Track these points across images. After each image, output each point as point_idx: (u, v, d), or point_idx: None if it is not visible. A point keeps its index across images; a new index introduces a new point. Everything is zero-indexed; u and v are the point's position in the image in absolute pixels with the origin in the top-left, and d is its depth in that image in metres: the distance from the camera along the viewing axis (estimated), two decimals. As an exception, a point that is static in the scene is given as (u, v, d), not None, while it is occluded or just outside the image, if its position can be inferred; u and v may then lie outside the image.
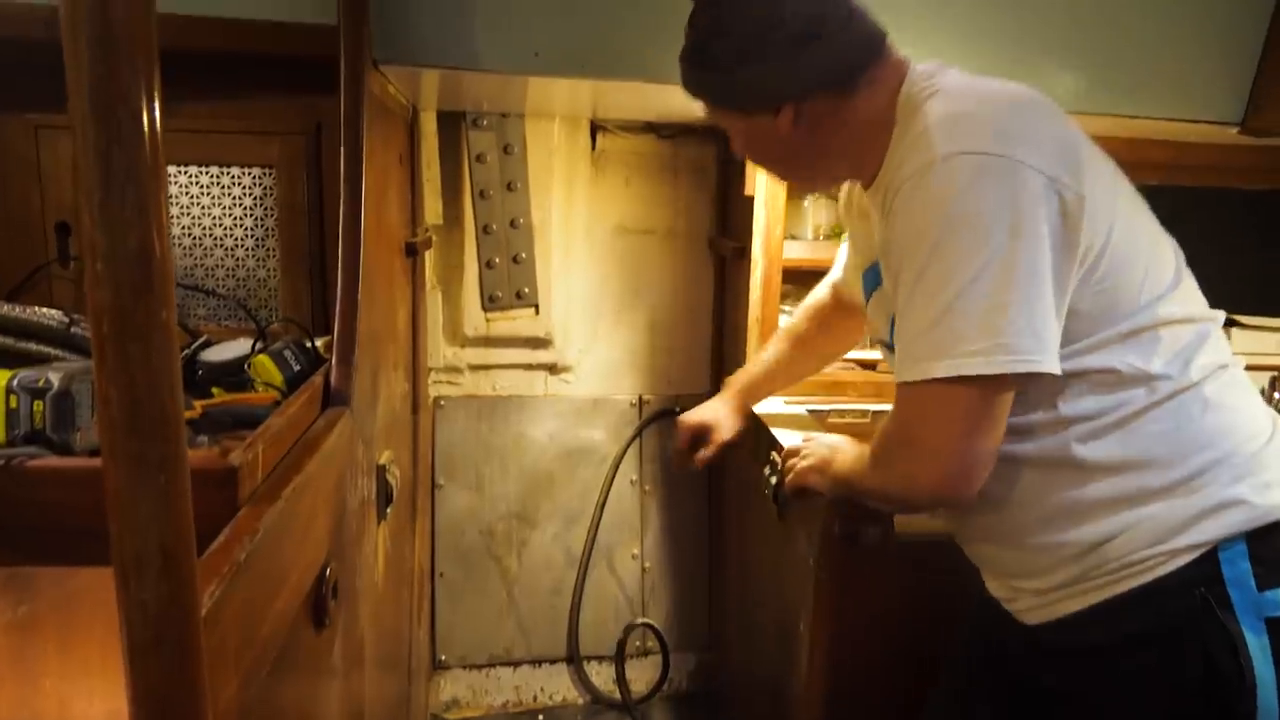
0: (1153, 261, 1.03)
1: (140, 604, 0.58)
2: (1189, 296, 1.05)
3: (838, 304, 1.54)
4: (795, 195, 1.93)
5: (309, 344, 1.34)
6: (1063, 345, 0.97)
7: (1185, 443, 0.99)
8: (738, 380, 1.66)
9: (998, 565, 1.13)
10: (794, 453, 1.38)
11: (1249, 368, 1.82)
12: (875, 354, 1.90)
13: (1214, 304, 1.08)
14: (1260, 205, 1.98)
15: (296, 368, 1.30)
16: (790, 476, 1.35)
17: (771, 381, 1.65)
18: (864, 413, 1.84)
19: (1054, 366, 0.93)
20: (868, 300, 1.23)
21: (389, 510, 1.48)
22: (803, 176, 1.25)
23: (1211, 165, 1.84)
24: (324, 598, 1.02)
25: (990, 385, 0.93)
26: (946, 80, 1.03)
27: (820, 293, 1.59)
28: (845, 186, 1.32)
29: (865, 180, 1.14)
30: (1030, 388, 0.99)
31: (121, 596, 0.58)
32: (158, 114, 0.55)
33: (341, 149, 1.28)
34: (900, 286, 0.98)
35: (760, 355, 1.67)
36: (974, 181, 0.91)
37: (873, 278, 1.20)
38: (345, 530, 1.17)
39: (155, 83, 0.55)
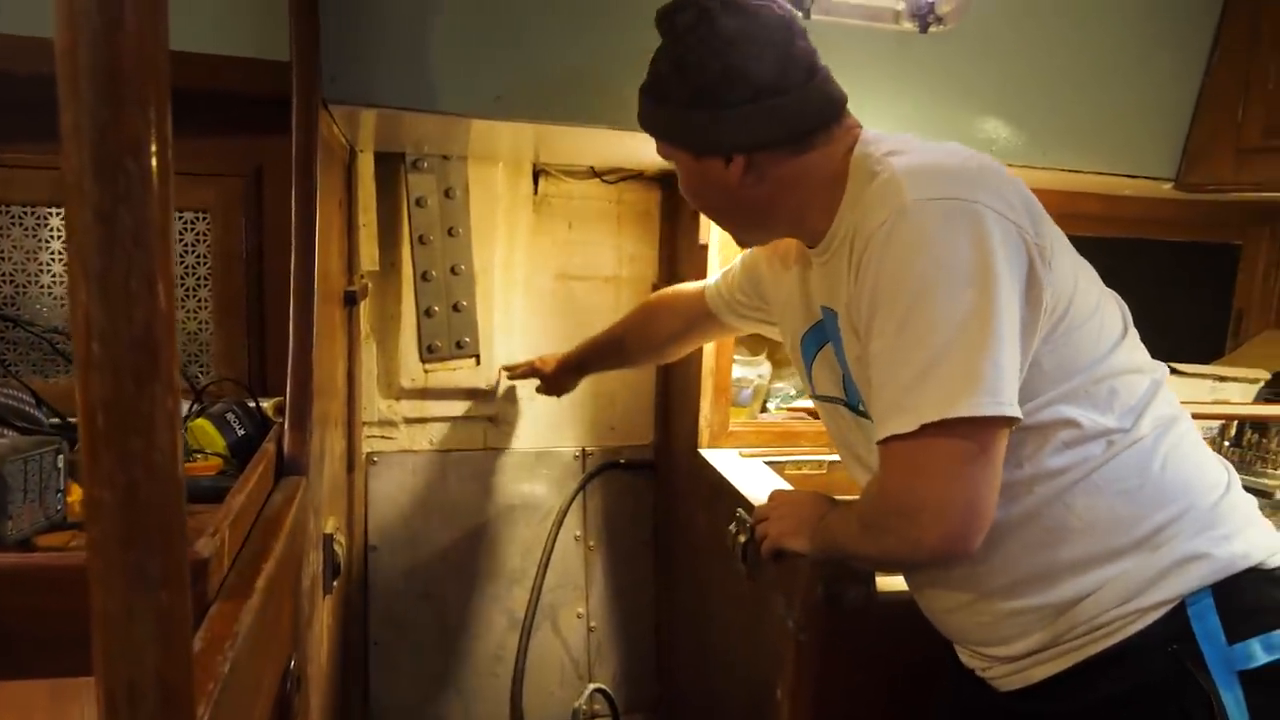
0: (1105, 314, 1.05)
1: (132, 747, 0.49)
2: (1137, 347, 1.08)
3: (699, 304, 1.55)
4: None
5: (253, 405, 1.23)
6: (1027, 400, 0.97)
7: (1147, 500, 1.00)
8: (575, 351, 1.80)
9: (968, 636, 1.11)
10: (766, 514, 1.33)
11: (1186, 415, 1.87)
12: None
13: (1150, 353, 1.10)
14: (1188, 256, 2.07)
15: (241, 432, 1.18)
16: (767, 541, 1.30)
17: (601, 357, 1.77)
18: (820, 463, 1.82)
19: (1019, 414, 0.93)
20: (810, 362, 1.23)
21: (335, 583, 1.37)
22: (743, 228, 1.23)
23: (1143, 218, 1.91)
24: (289, 694, 0.91)
25: (986, 430, 0.92)
26: (906, 141, 1.05)
27: (688, 288, 1.62)
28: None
29: (809, 238, 1.14)
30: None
31: (108, 738, 0.48)
32: (170, 167, 0.47)
33: (293, 195, 1.18)
34: (876, 338, 0.97)
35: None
36: (944, 226, 0.92)
37: (814, 340, 1.20)
38: (301, 614, 1.06)
39: (168, 129, 0.47)
